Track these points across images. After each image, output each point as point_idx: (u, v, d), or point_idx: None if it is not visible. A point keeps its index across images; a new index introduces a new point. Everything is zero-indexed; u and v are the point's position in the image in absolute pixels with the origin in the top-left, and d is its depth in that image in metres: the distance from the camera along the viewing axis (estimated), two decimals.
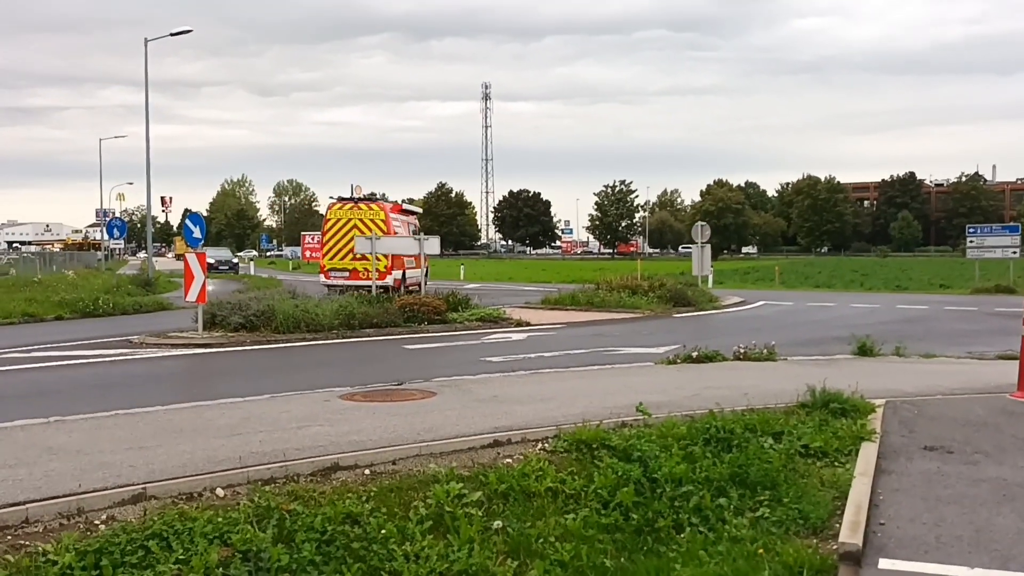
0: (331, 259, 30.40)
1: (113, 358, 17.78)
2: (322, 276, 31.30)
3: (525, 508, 7.73)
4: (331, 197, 31.98)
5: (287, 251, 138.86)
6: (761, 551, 6.90)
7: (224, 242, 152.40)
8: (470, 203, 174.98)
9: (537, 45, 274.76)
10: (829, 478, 8.52)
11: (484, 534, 7.21)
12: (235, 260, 76.04)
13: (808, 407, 10.88)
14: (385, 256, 27.69)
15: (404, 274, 30.86)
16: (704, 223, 38.60)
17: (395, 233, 30.27)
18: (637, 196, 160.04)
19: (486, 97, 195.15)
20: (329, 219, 30.89)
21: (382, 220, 30.18)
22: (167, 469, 7.94)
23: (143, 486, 7.41)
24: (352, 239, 28.71)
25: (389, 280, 27.92)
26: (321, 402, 11.60)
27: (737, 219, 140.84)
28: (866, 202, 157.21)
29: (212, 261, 70.06)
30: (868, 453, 9.19)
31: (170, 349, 19.23)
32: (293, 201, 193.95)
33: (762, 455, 8.78)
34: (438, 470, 8.21)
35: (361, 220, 30.30)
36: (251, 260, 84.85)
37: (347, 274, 30.31)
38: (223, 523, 6.79)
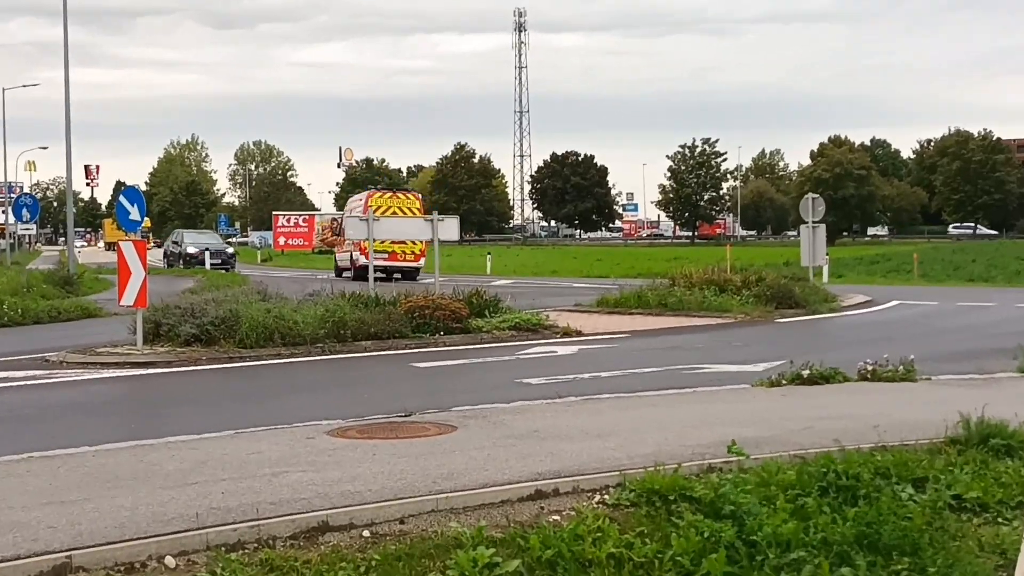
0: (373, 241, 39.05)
1: (24, 382, 17.94)
2: (362, 256, 41.24)
3: None
4: (371, 187, 43.39)
5: (254, 236, 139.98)
6: None
7: (170, 224, 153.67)
8: (499, 171, 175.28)
9: None
10: (990, 540, 8.49)
11: None
12: (230, 250, 71.75)
13: (961, 444, 10.83)
14: (417, 241, 36.27)
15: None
16: (816, 195, 38.42)
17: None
18: (725, 160, 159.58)
19: (520, 28, 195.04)
20: (371, 206, 39.74)
21: (417, 208, 40.77)
22: (99, 531, 8.00)
23: (67, 554, 7.46)
24: None
25: (423, 263, 33.70)
26: (303, 440, 11.65)
27: (861, 189, 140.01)
28: None
29: (194, 251, 65.69)
30: None
31: (100, 369, 19.38)
32: (261, 170, 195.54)
33: (899, 509, 8.75)
34: (461, 531, 8.24)
35: (400, 207, 40.85)
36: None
37: (386, 256, 41.11)
38: None
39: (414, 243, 39.54)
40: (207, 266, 61.52)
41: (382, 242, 37.69)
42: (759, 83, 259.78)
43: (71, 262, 46.83)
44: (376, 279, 29.42)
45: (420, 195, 49.42)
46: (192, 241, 69.80)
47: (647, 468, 9.61)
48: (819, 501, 8.91)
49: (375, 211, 37.02)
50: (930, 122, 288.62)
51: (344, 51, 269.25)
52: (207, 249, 65.88)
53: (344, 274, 52.72)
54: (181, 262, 65.57)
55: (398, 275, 40.98)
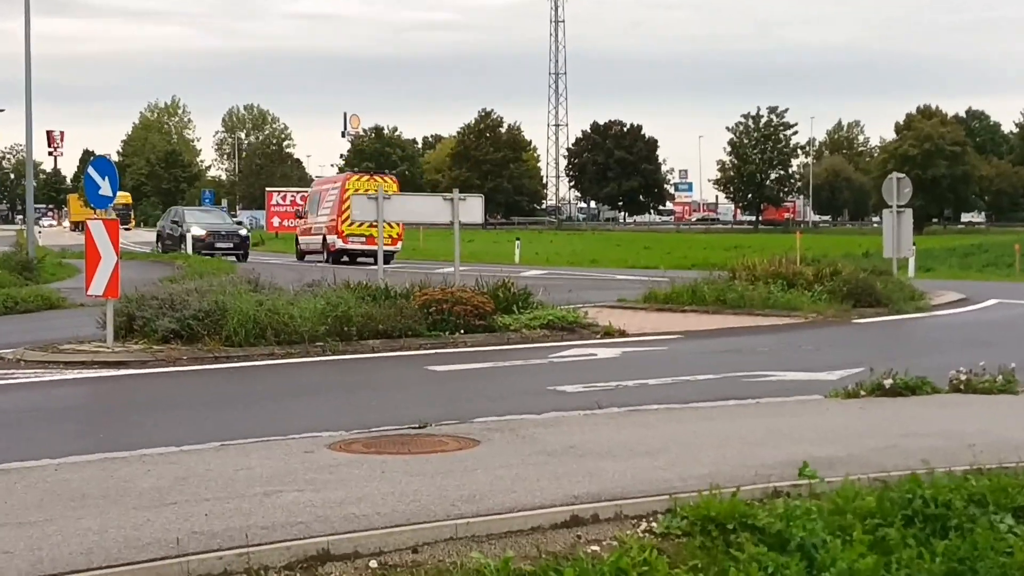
0: (350, 225, 46.67)
1: None
2: (338, 239, 50.06)
3: None
4: (352, 169, 49.96)
5: (244, 216, 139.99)
6: None
7: (147, 201, 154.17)
8: (530, 143, 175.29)
9: None
10: None
11: None
12: (243, 231, 68.14)
13: None
14: (394, 224, 40.53)
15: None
16: (901, 175, 38.36)
17: None
18: (795, 132, 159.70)
19: None
20: (348, 189, 48.10)
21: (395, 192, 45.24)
22: (62, 557, 8.02)
23: None
24: None
25: (399, 247, 37.46)
26: (300, 454, 11.68)
27: (954, 168, 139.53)
28: None
29: (200, 233, 62.39)
30: None
31: (63, 369, 19.46)
32: (253, 139, 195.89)
33: (997, 543, 8.72)
34: (484, 562, 8.24)
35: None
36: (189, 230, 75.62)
37: (363, 239, 47.52)
38: None
39: (391, 225, 43.23)
40: (190, 251, 59.20)
41: (360, 225, 43.68)
42: (835, 42, 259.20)
43: (30, 244, 46.78)
44: (341, 263, 30.23)
45: (397, 178, 58.80)
46: (197, 221, 65.91)
47: (702, 491, 9.60)
48: (903, 532, 8.89)
49: (352, 194, 41.09)
50: None
51: (349, 1, 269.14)
52: (216, 231, 63.90)
53: (308, 258, 57.20)
54: (183, 246, 61.77)
55: (371, 260, 42.93)
